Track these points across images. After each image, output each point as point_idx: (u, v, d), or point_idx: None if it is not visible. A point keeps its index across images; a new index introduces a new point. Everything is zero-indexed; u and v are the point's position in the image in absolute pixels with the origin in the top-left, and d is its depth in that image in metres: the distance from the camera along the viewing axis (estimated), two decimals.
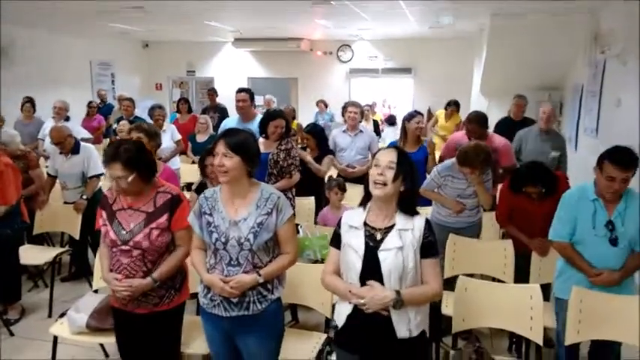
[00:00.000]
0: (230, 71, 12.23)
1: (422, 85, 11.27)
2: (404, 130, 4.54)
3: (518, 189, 3.31)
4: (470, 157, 3.36)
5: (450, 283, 3.08)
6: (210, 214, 2.21)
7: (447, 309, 3.05)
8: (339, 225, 2.13)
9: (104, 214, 2.40)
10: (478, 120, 4.19)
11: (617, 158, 2.50)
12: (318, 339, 2.79)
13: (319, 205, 4.47)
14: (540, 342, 2.63)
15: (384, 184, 1.96)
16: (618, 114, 5.45)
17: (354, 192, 4.72)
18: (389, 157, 1.99)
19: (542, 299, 2.69)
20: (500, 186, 3.68)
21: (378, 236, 2.00)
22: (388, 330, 1.96)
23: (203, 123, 6.46)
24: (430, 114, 9.65)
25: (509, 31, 6.88)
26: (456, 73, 10.26)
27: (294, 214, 2.93)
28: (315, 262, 3.27)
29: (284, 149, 3.96)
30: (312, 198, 4.51)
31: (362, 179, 5.25)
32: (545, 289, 2.95)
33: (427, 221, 2.03)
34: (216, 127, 6.66)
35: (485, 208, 3.57)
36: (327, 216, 4.03)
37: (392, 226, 2.00)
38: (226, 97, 7.72)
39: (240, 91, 4.77)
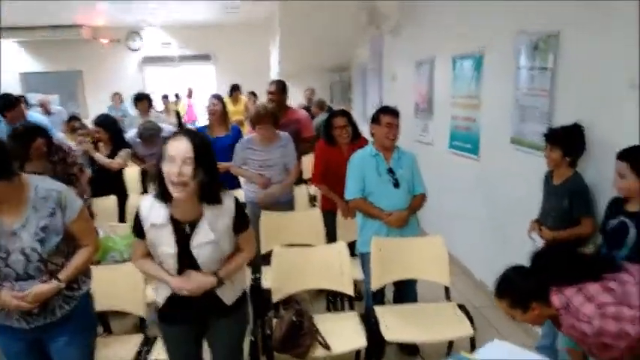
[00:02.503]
0: None
1: (223, 71, 11.20)
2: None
3: (330, 136, 3.63)
4: (259, 112, 3.53)
5: (267, 259, 3.12)
6: None
7: (266, 282, 3.09)
8: (137, 216, 1.94)
9: None
10: (278, 85, 4.37)
11: (389, 110, 3.07)
12: (136, 340, 2.57)
13: (123, 202, 4.10)
14: (351, 293, 2.85)
15: (185, 184, 1.76)
16: (396, 87, 6.20)
17: None
18: (184, 151, 1.74)
19: (348, 255, 2.91)
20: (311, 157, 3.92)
21: (187, 229, 1.90)
22: (215, 300, 1.98)
23: None
24: None
25: (298, 15, 7.23)
26: (255, 58, 10.44)
27: (86, 200, 2.62)
28: (124, 261, 2.98)
29: (57, 160, 3.30)
30: (113, 196, 4.11)
31: None
32: (353, 246, 3.21)
33: (235, 199, 1.97)
34: None
35: (292, 181, 3.72)
36: None
37: (200, 216, 1.89)
38: None
39: None
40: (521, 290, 1.79)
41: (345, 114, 3.71)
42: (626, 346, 1.59)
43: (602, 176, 2.51)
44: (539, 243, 2.65)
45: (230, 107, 7.72)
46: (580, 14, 2.71)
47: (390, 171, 3.00)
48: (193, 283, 1.89)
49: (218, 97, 4.46)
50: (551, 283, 1.74)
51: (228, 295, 2.01)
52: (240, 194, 4.30)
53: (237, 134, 4.39)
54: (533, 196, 2.89)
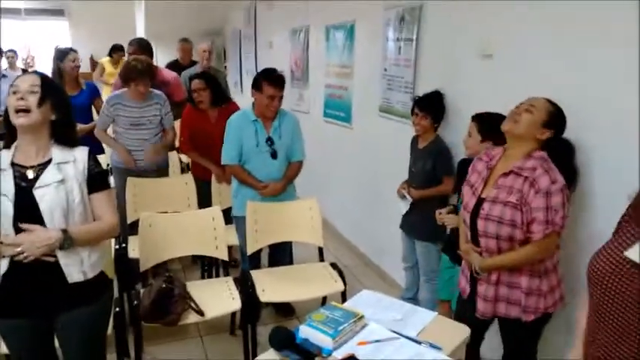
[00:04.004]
0: None
1: (80, 29, 10.06)
2: (58, 71, 3.94)
3: (193, 99, 3.47)
4: (131, 67, 3.23)
5: (135, 228, 2.93)
6: None
7: (134, 252, 2.90)
8: None
9: None
10: (139, 43, 4.07)
11: (273, 79, 2.84)
12: None
13: None
14: (226, 258, 2.80)
15: (27, 111, 1.64)
16: (272, 55, 6.13)
17: None
18: (29, 82, 1.68)
19: (223, 220, 2.84)
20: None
21: (31, 174, 1.68)
22: (58, 277, 1.69)
23: None
24: (94, 62, 8.79)
25: None
26: (118, 17, 9.52)
27: None
28: None
29: None
30: None
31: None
32: (228, 213, 3.14)
33: (90, 152, 1.80)
34: None
35: (170, 142, 3.50)
36: None
37: (48, 162, 1.71)
38: None
39: None
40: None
41: (204, 77, 3.51)
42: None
43: (457, 140, 2.74)
44: (409, 200, 2.85)
45: (110, 69, 7.04)
46: None
47: (269, 140, 2.91)
48: (33, 235, 1.60)
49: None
50: None
51: (74, 271, 1.70)
52: (103, 159, 3.97)
53: (92, 91, 4.01)
54: (400, 162, 3.08)
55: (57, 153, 1.72)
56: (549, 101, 1.85)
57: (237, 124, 2.94)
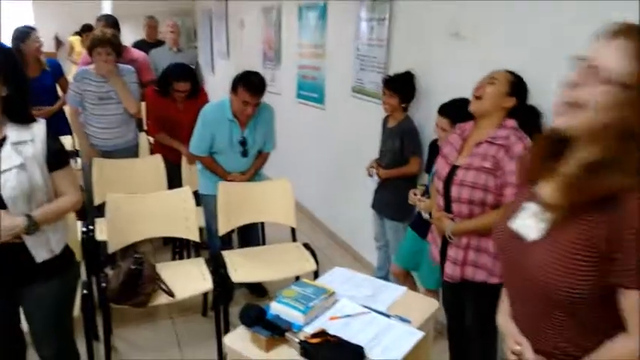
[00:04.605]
0: None
1: (44, 8, 9.67)
2: (18, 53, 3.78)
3: (166, 91, 3.34)
4: (96, 37, 3.16)
5: (102, 211, 2.86)
6: None
7: (102, 235, 2.84)
8: None
9: None
10: (106, 19, 3.99)
11: (251, 85, 2.70)
12: None
13: None
14: (197, 239, 2.77)
15: None
16: (243, 34, 6.02)
17: None
18: None
19: (194, 201, 2.80)
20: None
21: None
22: (25, 257, 1.66)
23: None
24: (59, 42, 8.49)
25: None
26: None
27: None
28: None
29: None
30: None
31: None
32: (198, 195, 3.10)
33: (48, 127, 1.72)
34: None
35: (131, 111, 3.39)
36: None
37: (2, 140, 1.62)
38: None
39: None
40: None
41: (189, 78, 3.32)
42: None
43: (428, 120, 2.75)
44: (376, 179, 2.88)
45: (79, 49, 6.91)
46: None
47: (243, 141, 2.87)
48: None
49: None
50: None
51: (40, 251, 1.69)
52: (70, 142, 3.87)
53: (55, 70, 3.88)
54: (373, 142, 3.08)
55: (12, 132, 1.63)
56: (509, 72, 1.93)
57: (211, 118, 2.85)
